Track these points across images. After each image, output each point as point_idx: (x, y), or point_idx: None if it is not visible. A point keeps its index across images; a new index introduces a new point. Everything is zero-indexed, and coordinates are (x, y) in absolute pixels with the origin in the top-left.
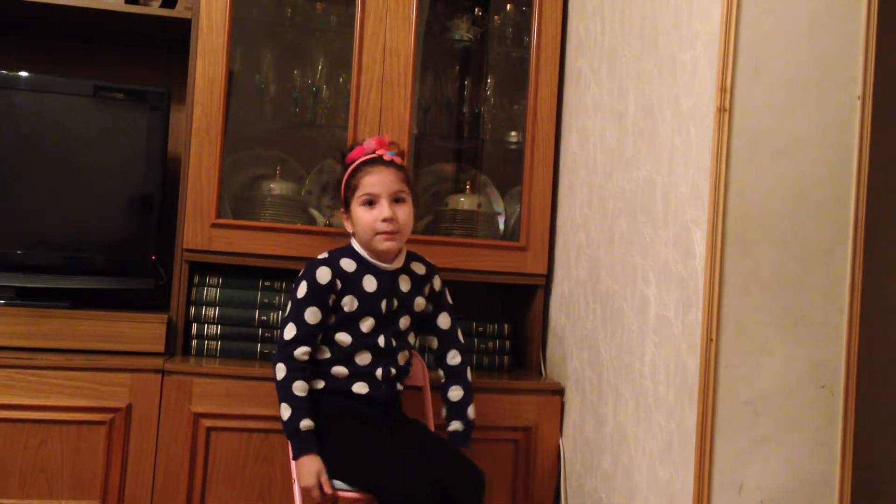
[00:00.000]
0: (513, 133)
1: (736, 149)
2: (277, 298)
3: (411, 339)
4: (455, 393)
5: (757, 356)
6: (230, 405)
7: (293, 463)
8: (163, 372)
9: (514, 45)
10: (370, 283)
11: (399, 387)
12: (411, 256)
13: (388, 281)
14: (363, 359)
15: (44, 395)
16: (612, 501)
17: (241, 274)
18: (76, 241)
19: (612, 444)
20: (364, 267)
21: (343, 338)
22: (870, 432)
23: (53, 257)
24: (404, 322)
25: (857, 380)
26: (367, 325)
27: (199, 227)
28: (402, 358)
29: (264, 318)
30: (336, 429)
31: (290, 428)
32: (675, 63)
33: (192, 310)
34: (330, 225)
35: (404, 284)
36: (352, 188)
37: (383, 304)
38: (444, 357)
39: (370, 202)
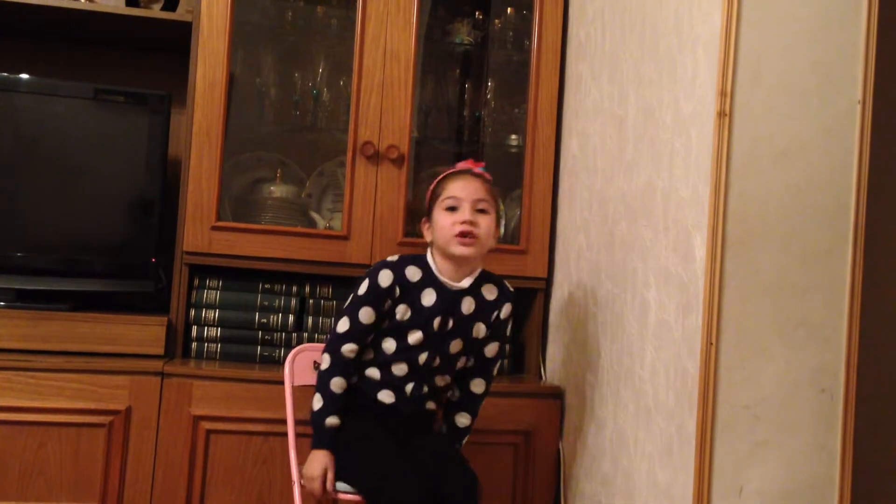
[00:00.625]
0: (513, 136)
1: (736, 153)
2: (277, 301)
3: (460, 363)
4: (462, 420)
5: (757, 360)
6: (230, 408)
7: (293, 465)
8: (162, 374)
9: (515, 48)
10: (429, 297)
11: (429, 405)
12: (486, 278)
13: (448, 299)
14: (399, 369)
15: (43, 398)
16: None
17: (241, 277)
18: (76, 244)
19: (612, 448)
20: (428, 279)
21: (388, 345)
22: (870, 436)
23: (53, 260)
24: (455, 346)
25: (857, 383)
26: (414, 337)
27: (200, 229)
28: (440, 380)
29: (264, 320)
30: (351, 423)
31: (317, 420)
32: (676, 67)
33: (192, 312)
34: (331, 228)
35: (466, 306)
36: (436, 195)
37: (436, 322)
38: (470, 381)
39: (452, 207)
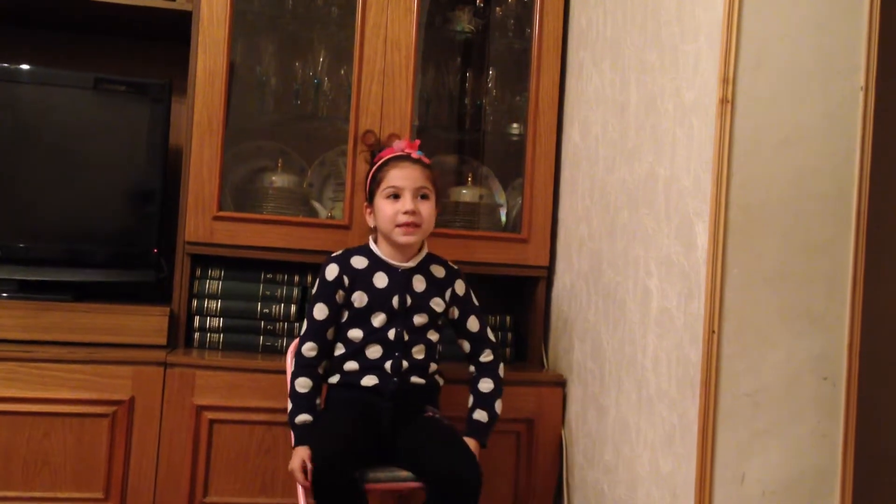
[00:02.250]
0: (514, 125)
1: (738, 140)
2: (279, 291)
3: (431, 336)
4: (486, 385)
5: (759, 348)
6: (233, 397)
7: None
8: (165, 364)
9: (516, 36)
10: (381, 280)
11: (415, 380)
12: (432, 259)
13: (401, 279)
14: (374, 352)
15: (46, 388)
16: (614, 493)
17: (242, 266)
18: (78, 234)
19: (614, 436)
20: (376, 264)
21: (355, 333)
22: (871, 424)
23: (55, 250)
24: (419, 319)
25: (858, 371)
26: (378, 320)
27: (201, 219)
28: (417, 352)
29: (266, 310)
30: (327, 415)
31: (290, 421)
32: (678, 54)
33: (194, 302)
34: (332, 217)
35: (419, 284)
36: (377, 182)
37: (395, 301)
38: (478, 356)
39: (395, 195)
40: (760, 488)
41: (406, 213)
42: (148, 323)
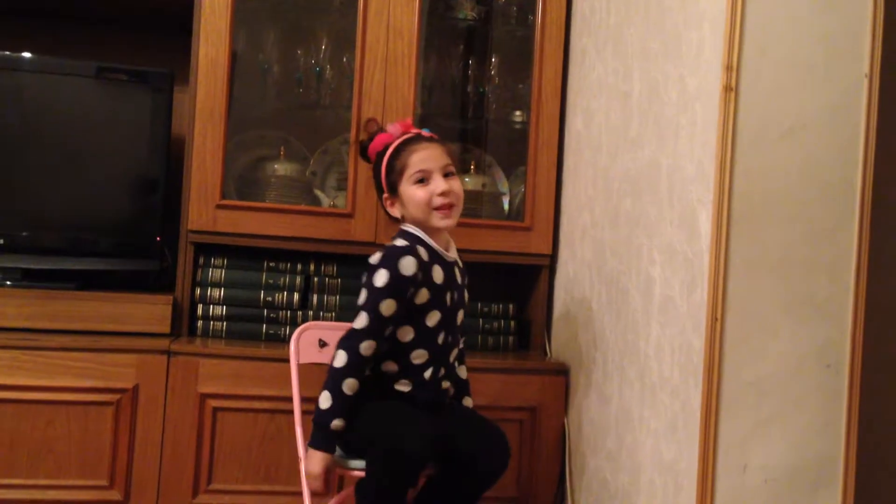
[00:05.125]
0: (517, 113)
1: (742, 128)
2: (282, 279)
3: (460, 336)
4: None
5: (762, 336)
6: (236, 386)
7: (300, 442)
8: (169, 353)
9: (519, 23)
10: (438, 274)
11: (444, 385)
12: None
13: (451, 272)
14: (419, 356)
15: (50, 376)
16: (617, 481)
17: (245, 255)
18: (81, 223)
19: (617, 424)
20: (433, 255)
21: (405, 333)
22: (874, 412)
23: (59, 239)
24: (460, 317)
25: (862, 359)
26: (433, 319)
27: (204, 208)
28: (452, 356)
29: (269, 298)
30: (369, 407)
31: (322, 420)
32: (681, 42)
33: (198, 291)
34: (335, 206)
35: (459, 275)
36: (398, 170)
37: (448, 298)
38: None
39: (422, 179)
40: (763, 476)
41: (441, 194)
42: (151, 311)
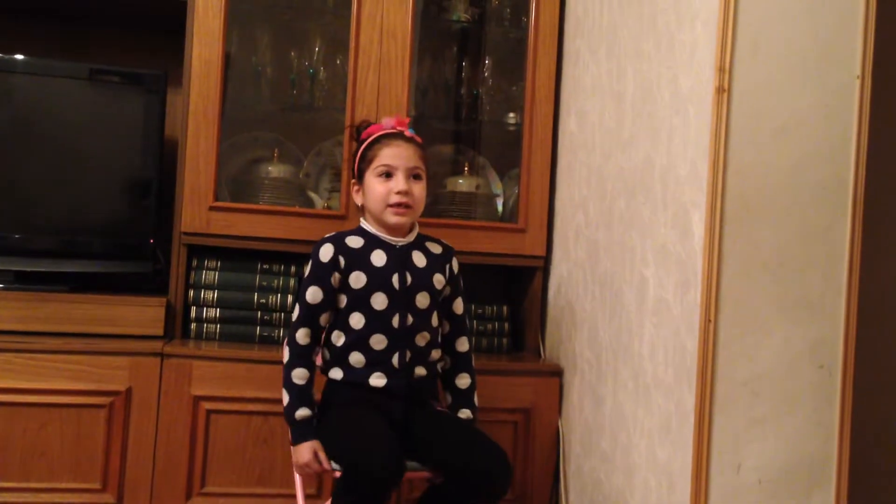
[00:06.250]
0: (511, 114)
1: (735, 129)
2: (276, 281)
3: (434, 321)
4: (463, 381)
5: (755, 336)
6: (230, 388)
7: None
8: (162, 355)
9: (513, 25)
10: (379, 258)
11: (419, 371)
12: (425, 237)
13: (399, 255)
14: (378, 342)
15: (43, 379)
16: (611, 481)
17: (239, 257)
18: (74, 225)
19: (611, 425)
20: (372, 243)
21: (356, 319)
22: (868, 412)
23: (51, 241)
24: (422, 300)
25: (855, 359)
26: (379, 301)
27: (197, 210)
28: (420, 339)
29: (263, 300)
30: (338, 413)
31: (288, 416)
32: (674, 43)
33: (191, 293)
34: (329, 207)
35: (419, 260)
36: (368, 159)
37: (395, 279)
38: (454, 343)
39: (387, 174)
40: (757, 476)
41: (399, 192)
42: (145, 314)
